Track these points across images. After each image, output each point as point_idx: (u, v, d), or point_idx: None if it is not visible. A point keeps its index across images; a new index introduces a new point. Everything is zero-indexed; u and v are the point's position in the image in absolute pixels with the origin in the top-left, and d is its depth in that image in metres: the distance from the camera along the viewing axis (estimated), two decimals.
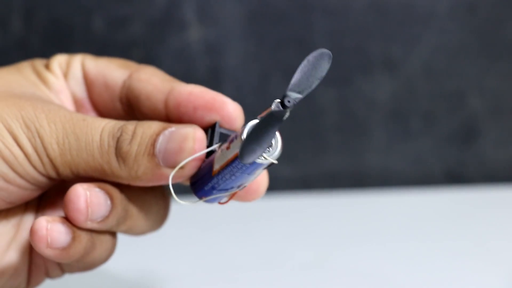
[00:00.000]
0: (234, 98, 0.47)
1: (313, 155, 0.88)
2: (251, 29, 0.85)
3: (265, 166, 0.41)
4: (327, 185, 0.88)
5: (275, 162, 0.41)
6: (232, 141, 0.42)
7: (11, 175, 0.44)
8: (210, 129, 0.45)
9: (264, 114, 0.41)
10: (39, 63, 0.50)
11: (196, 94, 0.46)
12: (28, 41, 0.83)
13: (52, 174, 0.44)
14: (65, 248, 0.43)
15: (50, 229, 0.43)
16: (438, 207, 0.83)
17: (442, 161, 0.90)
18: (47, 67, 0.49)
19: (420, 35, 0.86)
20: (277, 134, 0.41)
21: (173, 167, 0.43)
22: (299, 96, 0.41)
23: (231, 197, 0.45)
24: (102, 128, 0.44)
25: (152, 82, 0.48)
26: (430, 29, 0.86)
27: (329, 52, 0.42)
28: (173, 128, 0.44)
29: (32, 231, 0.43)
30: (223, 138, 0.45)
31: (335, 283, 0.64)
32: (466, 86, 0.88)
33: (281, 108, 0.41)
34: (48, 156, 0.44)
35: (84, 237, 0.44)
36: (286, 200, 0.85)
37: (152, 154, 0.43)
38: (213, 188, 0.43)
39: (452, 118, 0.89)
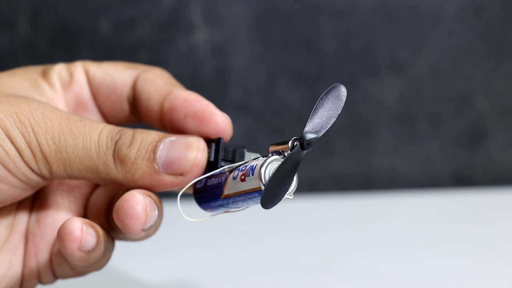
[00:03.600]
0: (241, 100, 0.47)
1: (321, 157, 0.88)
2: (258, 31, 0.85)
3: None
4: (334, 187, 0.88)
5: (290, 197, 0.41)
6: (247, 174, 0.42)
7: (2, 172, 0.43)
8: (214, 144, 0.45)
9: (277, 148, 0.42)
10: (34, 70, 0.49)
11: (189, 101, 0.46)
12: (34, 43, 0.83)
13: (45, 172, 0.44)
14: (90, 252, 0.43)
15: (86, 231, 0.43)
16: (446, 210, 0.83)
17: (449, 163, 0.89)
18: (43, 74, 0.49)
19: (427, 37, 0.86)
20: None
21: (173, 174, 0.44)
22: (317, 136, 0.41)
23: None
24: (101, 130, 0.44)
25: (155, 83, 0.48)
26: (437, 31, 0.86)
27: (344, 89, 0.41)
28: (174, 138, 0.44)
29: (65, 231, 0.42)
30: (227, 153, 0.45)
31: (343, 285, 0.64)
32: (473, 88, 0.88)
33: (300, 150, 0.41)
34: (42, 152, 0.43)
35: (103, 243, 0.44)
36: (293, 202, 0.85)
37: (151, 159, 0.43)
38: (221, 206, 0.44)
39: (460, 120, 0.88)
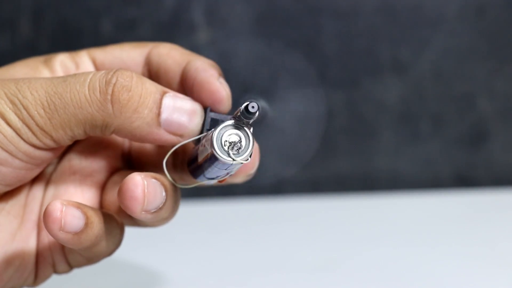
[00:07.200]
0: (243, 100, 0.47)
1: (322, 158, 0.88)
2: (260, 31, 0.85)
3: (237, 165, 0.42)
4: (336, 188, 0.88)
5: (245, 162, 0.41)
6: (207, 140, 0.42)
7: (2, 155, 0.43)
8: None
9: (236, 111, 0.42)
10: (37, 59, 0.49)
11: (198, 70, 0.47)
12: (36, 43, 0.83)
13: (49, 142, 0.44)
14: (78, 233, 0.43)
15: (65, 212, 0.42)
16: (447, 210, 0.83)
17: (451, 164, 0.89)
18: (45, 62, 0.49)
19: (429, 37, 0.86)
20: (250, 135, 0.42)
21: (172, 133, 0.44)
22: (263, 104, 0.42)
23: (225, 179, 0.45)
24: (89, 79, 0.43)
25: (172, 55, 0.48)
26: (439, 32, 0.86)
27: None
28: (171, 93, 0.44)
29: (46, 213, 0.42)
30: (214, 123, 0.45)
31: (344, 286, 0.64)
32: (475, 89, 0.88)
33: (245, 114, 0.41)
34: (37, 124, 0.43)
35: (96, 225, 0.44)
36: (295, 203, 0.85)
37: (154, 111, 0.43)
38: (203, 175, 0.44)
39: (461, 121, 0.88)
